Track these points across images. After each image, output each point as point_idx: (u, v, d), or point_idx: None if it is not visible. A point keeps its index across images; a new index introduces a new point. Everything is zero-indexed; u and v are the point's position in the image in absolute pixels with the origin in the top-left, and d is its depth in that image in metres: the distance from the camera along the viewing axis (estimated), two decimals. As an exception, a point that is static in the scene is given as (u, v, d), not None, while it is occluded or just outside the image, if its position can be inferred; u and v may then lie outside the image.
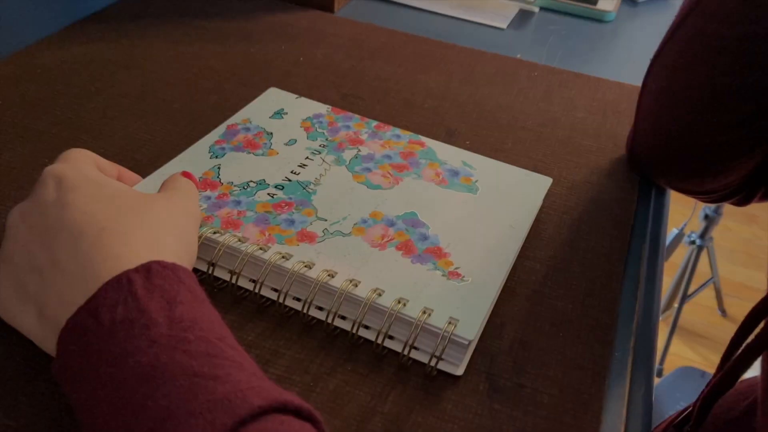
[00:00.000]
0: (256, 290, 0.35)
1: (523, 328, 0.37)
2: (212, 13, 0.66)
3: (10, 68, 0.54)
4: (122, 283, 0.26)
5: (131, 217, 0.30)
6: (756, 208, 1.99)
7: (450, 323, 0.33)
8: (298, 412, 0.24)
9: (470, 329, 0.33)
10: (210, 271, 0.36)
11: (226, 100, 0.53)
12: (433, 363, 0.33)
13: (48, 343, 0.28)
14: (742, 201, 0.45)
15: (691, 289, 1.57)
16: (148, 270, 0.27)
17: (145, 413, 0.23)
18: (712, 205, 1.46)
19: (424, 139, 0.48)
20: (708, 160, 0.42)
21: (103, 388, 0.24)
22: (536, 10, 0.75)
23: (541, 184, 0.45)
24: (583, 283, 0.40)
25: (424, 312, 0.34)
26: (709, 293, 1.69)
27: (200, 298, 0.28)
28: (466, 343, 0.33)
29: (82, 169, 0.32)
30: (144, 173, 0.43)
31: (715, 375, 0.37)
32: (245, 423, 0.22)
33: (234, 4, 0.68)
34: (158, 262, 0.27)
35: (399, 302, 0.34)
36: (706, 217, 1.46)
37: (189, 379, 0.23)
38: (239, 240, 0.37)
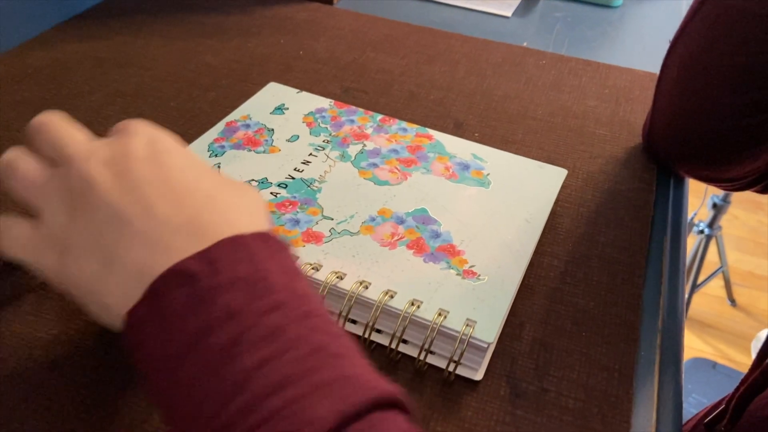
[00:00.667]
0: (262, 295, 0.34)
1: (544, 327, 0.35)
2: (208, 7, 0.64)
3: (2, 68, 0.52)
4: (240, 244, 0.24)
5: (235, 192, 0.28)
6: (762, 195, 1.97)
7: (467, 325, 0.31)
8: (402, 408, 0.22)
9: (489, 331, 0.31)
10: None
11: (224, 97, 0.51)
12: (450, 368, 0.31)
13: (112, 295, 0.25)
14: (766, 188, 0.43)
15: (700, 279, 1.55)
16: (265, 238, 0.25)
17: (261, 377, 0.21)
18: (721, 193, 1.44)
19: (431, 131, 0.46)
20: (732, 145, 0.40)
21: (206, 342, 0.22)
22: (541, -3, 0.73)
23: (556, 175, 0.43)
24: (604, 279, 0.38)
25: (440, 314, 0.32)
26: (717, 282, 1.67)
27: (307, 278, 0.26)
28: (485, 346, 0.31)
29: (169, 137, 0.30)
30: (141, 174, 0.41)
31: (750, 373, 0.35)
32: (372, 408, 0.20)
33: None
34: (272, 234, 0.26)
35: (413, 304, 0.32)
36: (715, 205, 1.44)
37: (316, 351, 0.22)
38: (242, 242, 0.35)
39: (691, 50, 0.40)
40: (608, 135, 0.51)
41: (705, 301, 1.69)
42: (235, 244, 0.24)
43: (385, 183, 0.40)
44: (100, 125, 0.47)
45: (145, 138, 0.28)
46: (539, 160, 0.44)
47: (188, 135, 0.46)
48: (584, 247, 0.40)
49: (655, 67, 0.61)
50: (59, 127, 0.29)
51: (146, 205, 0.26)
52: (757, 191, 0.44)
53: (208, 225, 0.25)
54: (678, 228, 0.44)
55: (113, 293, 0.25)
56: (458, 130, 0.50)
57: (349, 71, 0.56)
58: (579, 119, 0.52)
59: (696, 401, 1.37)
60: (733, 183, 0.44)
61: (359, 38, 0.61)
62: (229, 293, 0.23)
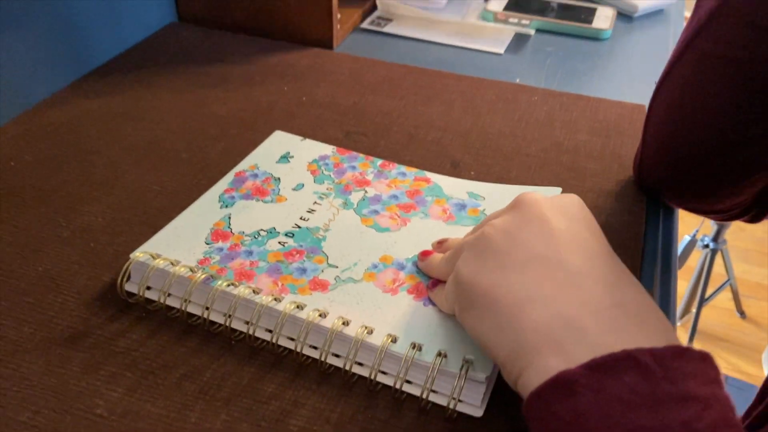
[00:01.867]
0: (273, 341, 0.36)
1: (540, 362, 0.37)
2: (213, 58, 0.67)
3: (21, 128, 0.55)
4: (690, 357, 0.25)
5: (644, 296, 0.29)
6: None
7: (465, 362, 0.33)
8: None
9: (485, 367, 0.33)
10: (227, 323, 0.37)
11: (233, 146, 0.54)
12: (452, 405, 0.33)
13: (518, 363, 0.27)
14: (754, 218, 0.45)
15: (708, 292, 1.56)
16: (704, 357, 0.25)
17: None
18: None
19: (429, 174, 0.48)
20: (720, 180, 0.42)
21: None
22: (532, 32, 0.75)
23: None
24: (596, 313, 0.40)
25: (439, 355, 0.34)
26: (726, 295, 1.68)
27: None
28: (483, 382, 0.33)
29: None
30: (156, 224, 0.44)
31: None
32: None
33: (234, 48, 0.69)
34: (705, 353, 0.26)
35: (413, 347, 0.34)
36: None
37: None
38: (253, 291, 0.37)
39: (675, 94, 0.42)
40: (599, 169, 0.53)
41: (714, 313, 1.70)
42: (686, 355, 0.24)
43: (386, 230, 0.42)
44: (117, 179, 0.50)
45: (560, 210, 0.32)
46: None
47: (200, 185, 0.49)
48: (578, 282, 0.42)
49: (642, 98, 0.64)
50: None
51: (589, 297, 0.27)
52: (746, 221, 0.46)
53: (646, 320, 0.26)
54: (668, 259, 0.46)
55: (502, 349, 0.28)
56: (455, 169, 0.52)
57: (349, 115, 0.59)
58: (571, 154, 0.55)
59: (709, 416, 1.37)
60: (722, 214, 0.46)
61: (358, 81, 0.64)
62: (683, 407, 0.23)
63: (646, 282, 0.43)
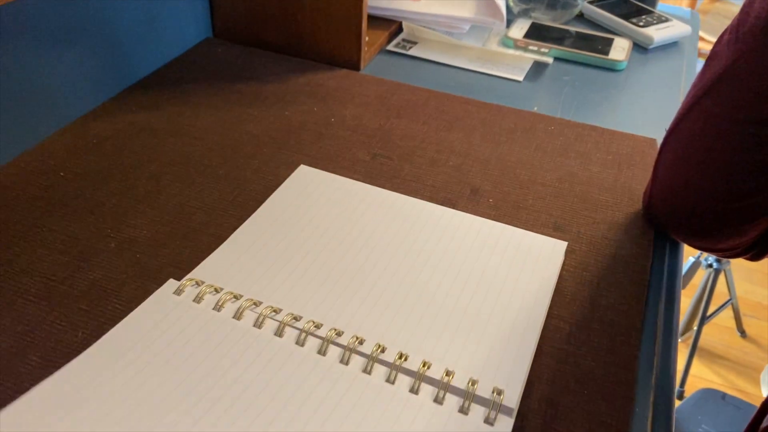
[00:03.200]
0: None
1: (551, 386, 0.40)
2: (247, 76, 0.71)
3: (69, 138, 0.59)
4: None
5: None
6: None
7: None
8: None
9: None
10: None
11: (266, 165, 0.57)
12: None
13: None
14: (755, 257, 0.48)
15: (710, 310, 1.59)
16: None
17: None
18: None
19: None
20: (723, 224, 0.46)
21: None
22: (550, 61, 0.79)
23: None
24: (604, 341, 0.44)
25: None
26: (727, 314, 1.71)
27: None
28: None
29: None
30: (197, 241, 0.48)
31: None
32: None
33: (267, 66, 0.73)
34: None
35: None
36: (722, 240, 1.48)
37: None
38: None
39: (683, 144, 0.45)
40: (611, 200, 0.56)
41: (715, 331, 1.72)
42: None
43: None
44: (159, 194, 0.53)
45: None
46: (547, 225, 0.50)
47: (236, 202, 0.53)
48: (587, 310, 0.46)
49: (654, 131, 0.67)
50: None
51: None
52: (748, 259, 0.49)
53: None
54: (672, 292, 0.49)
55: None
56: (474, 195, 0.56)
57: (375, 138, 0.62)
58: (584, 185, 0.58)
59: (705, 432, 1.40)
60: (725, 252, 0.49)
61: (384, 104, 0.68)
62: None
63: (650, 312, 0.47)
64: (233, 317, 0.41)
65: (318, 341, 0.40)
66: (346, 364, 0.39)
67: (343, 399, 0.37)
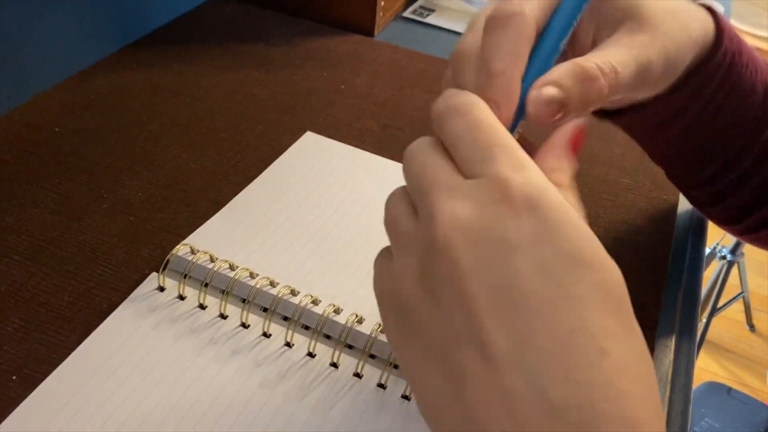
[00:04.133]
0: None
1: (559, 376, 0.38)
2: (255, 37, 0.68)
3: (67, 94, 0.56)
4: None
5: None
6: None
7: None
8: None
9: None
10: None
11: (270, 130, 0.55)
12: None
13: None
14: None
15: (720, 302, 1.56)
16: None
17: None
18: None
19: None
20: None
21: None
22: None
23: None
24: (618, 332, 0.41)
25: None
26: (738, 307, 1.68)
27: None
28: None
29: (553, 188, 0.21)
30: (193, 205, 0.45)
31: None
32: None
33: (276, 28, 0.70)
34: None
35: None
36: (738, 232, 1.45)
37: None
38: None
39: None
40: (632, 184, 0.53)
41: (724, 324, 1.70)
42: None
43: None
44: (157, 155, 0.51)
45: (524, 204, 0.21)
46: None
47: (236, 168, 0.50)
48: (602, 298, 0.43)
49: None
50: (419, 158, 0.24)
51: (522, 330, 0.20)
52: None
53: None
54: (693, 288, 0.46)
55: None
56: (488, 172, 0.53)
57: (386, 107, 0.59)
58: (605, 167, 0.55)
59: (708, 425, 1.38)
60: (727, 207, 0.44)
61: (397, 73, 0.65)
62: None
63: (668, 306, 0.44)
64: (217, 316, 0.39)
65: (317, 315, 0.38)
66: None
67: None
